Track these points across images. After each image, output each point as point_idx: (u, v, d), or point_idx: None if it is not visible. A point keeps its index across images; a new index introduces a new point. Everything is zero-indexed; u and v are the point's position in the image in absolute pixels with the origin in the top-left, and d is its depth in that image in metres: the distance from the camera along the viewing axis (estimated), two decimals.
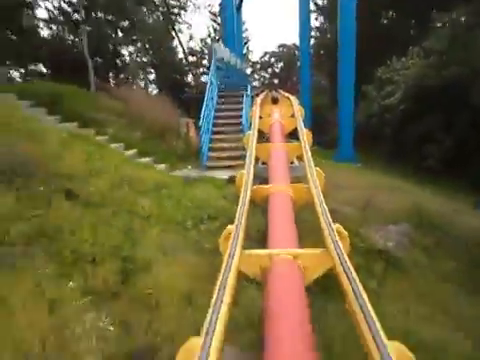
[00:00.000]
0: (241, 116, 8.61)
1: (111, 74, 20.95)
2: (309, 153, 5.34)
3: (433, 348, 2.69)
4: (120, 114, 9.30)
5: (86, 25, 15.75)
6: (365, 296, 1.92)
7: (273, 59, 40.59)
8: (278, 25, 68.20)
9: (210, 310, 1.71)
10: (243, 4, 24.19)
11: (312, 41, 27.30)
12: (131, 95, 11.41)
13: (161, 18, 27.23)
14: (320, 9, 29.45)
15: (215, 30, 31.15)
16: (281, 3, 71.94)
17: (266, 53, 40.20)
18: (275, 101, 10.13)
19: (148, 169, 5.79)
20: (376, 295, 3.52)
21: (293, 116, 7.53)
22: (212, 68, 9.93)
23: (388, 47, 19.12)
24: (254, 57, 38.90)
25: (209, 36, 31.08)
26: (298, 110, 7.57)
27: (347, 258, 2.38)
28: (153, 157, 7.32)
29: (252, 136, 6.18)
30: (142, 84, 26.86)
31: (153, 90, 27.18)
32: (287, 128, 7.23)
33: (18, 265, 2.45)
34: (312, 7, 27.73)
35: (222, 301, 1.81)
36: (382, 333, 1.61)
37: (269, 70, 40.85)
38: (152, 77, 28.95)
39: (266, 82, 39.34)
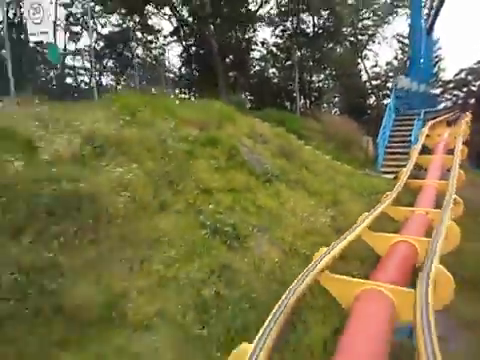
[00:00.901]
0: (410, 135, 11.00)
1: (307, 100, 25.84)
2: (457, 162, 7.58)
3: None
4: (318, 131, 13.18)
5: (295, 63, 20.77)
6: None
7: (470, 76, 37.41)
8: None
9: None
10: (436, 23, 24.42)
11: None
12: (325, 117, 15.26)
13: (349, 47, 30.57)
14: None
15: (403, 51, 32.03)
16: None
17: (462, 70, 37.43)
18: (449, 124, 12.05)
19: (341, 165, 9.27)
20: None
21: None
22: (392, 97, 12.63)
23: None
24: (447, 75, 36.84)
25: (395, 58, 32.27)
26: (462, 131, 9.52)
27: (448, 218, 4.68)
28: (342, 162, 10.67)
29: (416, 149, 8.82)
30: (327, 106, 30.96)
31: (335, 112, 30.81)
32: (450, 145, 9.33)
33: (290, 184, 6.33)
34: None
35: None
36: None
37: (464, 89, 37.78)
38: (335, 100, 32.77)
39: (459, 102, 36.60)
